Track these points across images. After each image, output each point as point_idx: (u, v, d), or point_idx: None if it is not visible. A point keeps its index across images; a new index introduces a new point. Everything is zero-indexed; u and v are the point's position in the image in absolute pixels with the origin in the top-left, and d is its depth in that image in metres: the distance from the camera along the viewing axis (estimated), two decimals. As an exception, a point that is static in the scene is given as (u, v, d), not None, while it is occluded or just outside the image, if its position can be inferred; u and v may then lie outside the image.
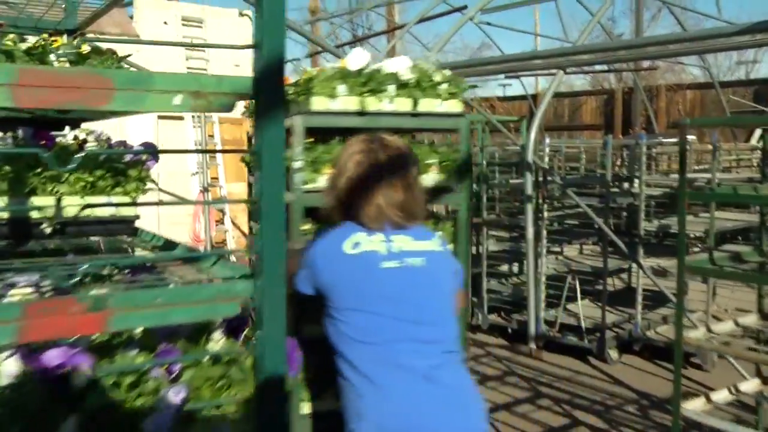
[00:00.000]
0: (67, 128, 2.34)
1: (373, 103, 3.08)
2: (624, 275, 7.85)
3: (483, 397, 2.19)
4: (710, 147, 8.44)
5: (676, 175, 7.95)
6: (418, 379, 2.00)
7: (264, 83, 1.15)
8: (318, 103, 2.99)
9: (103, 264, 1.33)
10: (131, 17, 11.93)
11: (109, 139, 2.06)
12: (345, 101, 3.07)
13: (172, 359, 1.17)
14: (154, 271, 1.54)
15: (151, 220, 11.16)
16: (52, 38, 2.09)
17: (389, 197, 2.13)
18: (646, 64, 15.36)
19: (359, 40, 23.76)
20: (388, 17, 21.92)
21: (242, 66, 13.20)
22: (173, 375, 1.17)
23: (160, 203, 2.20)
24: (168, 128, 11.24)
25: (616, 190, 7.16)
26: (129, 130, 11.67)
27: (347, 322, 2.06)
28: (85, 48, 2.11)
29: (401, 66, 3.16)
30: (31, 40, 1.97)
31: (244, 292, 1.20)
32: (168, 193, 11.78)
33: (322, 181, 2.93)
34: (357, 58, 3.13)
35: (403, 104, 3.10)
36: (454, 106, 3.20)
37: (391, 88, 3.07)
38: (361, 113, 3.09)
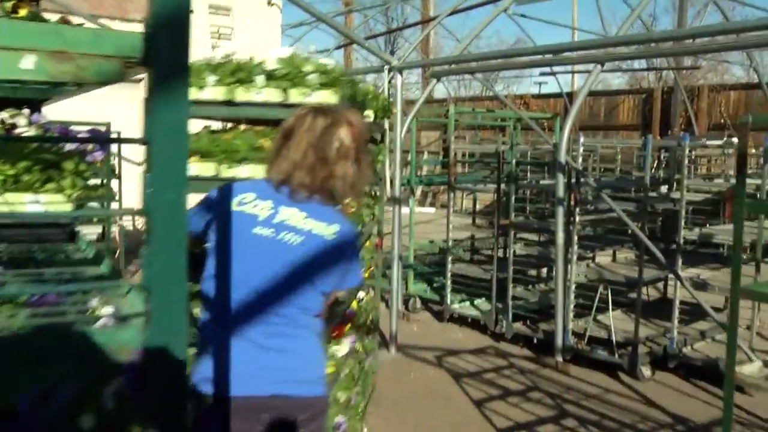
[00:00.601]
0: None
1: (241, 94, 3.09)
2: (659, 284, 7.40)
3: (318, 375, 2.23)
4: (754, 151, 7.93)
5: (719, 180, 7.46)
6: (247, 343, 2.07)
7: (159, 43, 0.79)
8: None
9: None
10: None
11: (47, 124, 1.72)
12: (213, 92, 3.08)
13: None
14: (69, 296, 1.18)
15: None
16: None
17: (303, 158, 2.14)
18: (687, 62, 14.76)
19: (391, 32, 23.39)
20: (422, 10, 21.54)
21: (270, 56, 12.83)
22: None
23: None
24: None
25: (653, 194, 6.69)
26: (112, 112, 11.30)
27: (207, 271, 2.13)
28: (24, 13, 1.76)
29: (276, 56, 3.14)
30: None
31: (129, 343, 0.84)
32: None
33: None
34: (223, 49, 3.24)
35: (273, 95, 3.07)
36: (327, 96, 3.08)
37: (260, 79, 3.08)
38: (230, 103, 3.10)
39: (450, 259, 7.54)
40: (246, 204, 2.14)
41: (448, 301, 7.48)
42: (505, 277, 6.85)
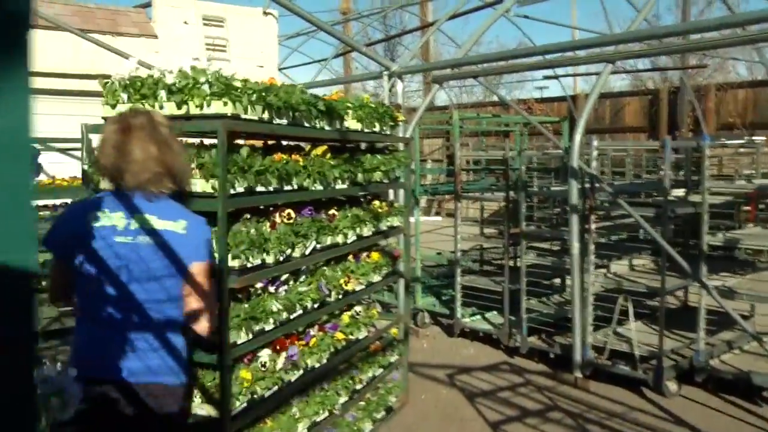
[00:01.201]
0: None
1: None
2: (679, 292, 7.05)
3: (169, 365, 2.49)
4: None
5: (742, 182, 7.12)
6: (112, 333, 2.41)
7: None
8: (103, 111, 3.26)
9: None
10: (150, 18, 11.43)
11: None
12: (124, 108, 3.18)
13: None
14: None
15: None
16: None
17: (146, 152, 2.39)
18: (693, 62, 14.45)
19: (389, 39, 23.12)
20: (421, 16, 21.31)
21: (267, 67, 12.62)
22: None
23: None
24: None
25: (672, 198, 6.36)
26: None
27: (79, 277, 2.44)
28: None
29: (176, 69, 3.20)
30: None
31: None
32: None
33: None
34: (124, 67, 3.27)
35: (173, 108, 3.16)
36: (219, 107, 3.12)
37: (162, 93, 3.16)
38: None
39: (459, 270, 7.22)
40: (101, 219, 2.42)
41: (459, 315, 7.16)
42: (517, 288, 6.53)
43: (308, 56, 20.91)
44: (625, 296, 5.77)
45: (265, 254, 3.35)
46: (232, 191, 3.12)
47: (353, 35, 20.94)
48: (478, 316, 7.32)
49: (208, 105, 3.09)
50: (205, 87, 3.07)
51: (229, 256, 3.09)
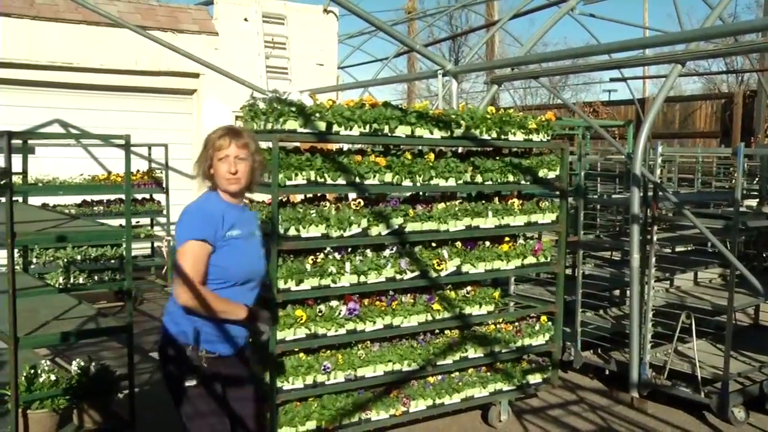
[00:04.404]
0: None
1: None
2: (749, 309, 6.60)
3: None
4: None
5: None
6: None
7: None
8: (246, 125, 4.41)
9: None
10: (211, 16, 11.44)
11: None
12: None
13: None
14: None
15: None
16: None
17: None
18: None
19: (453, 37, 22.83)
20: (486, 16, 20.97)
21: (326, 65, 12.51)
22: None
23: None
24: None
25: (743, 209, 5.94)
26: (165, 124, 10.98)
27: None
28: None
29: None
30: None
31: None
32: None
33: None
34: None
35: (268, 125, 4.25)
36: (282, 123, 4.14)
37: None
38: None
39: (513, 278, 6.92)
40: None
41: (511, 325, 6.85)
42: (573, 299, 6.21)
43: (371, 54, 20.75)
44: (687, 312, 5.40)
45: (325, 229, 4.15)
46: (288, 183, 4.02)
47: (417, 34, 20.74)
48: (531, 327, 7.00)
49: (278, 123, 4.09)
50: (277, 111, 4.06)
51: (280, 227, 3.99)
